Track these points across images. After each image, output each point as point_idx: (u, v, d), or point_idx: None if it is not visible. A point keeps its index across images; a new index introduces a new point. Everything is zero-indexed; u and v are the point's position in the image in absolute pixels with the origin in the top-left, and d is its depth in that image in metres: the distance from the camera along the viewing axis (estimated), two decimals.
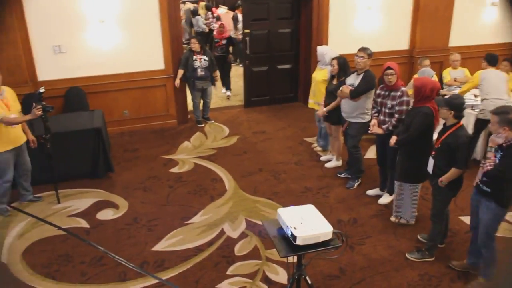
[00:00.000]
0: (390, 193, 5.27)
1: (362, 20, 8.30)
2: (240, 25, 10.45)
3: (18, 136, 4.94)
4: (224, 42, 9.21)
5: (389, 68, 4.77)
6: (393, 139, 4.56)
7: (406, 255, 4.33)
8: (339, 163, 6.19)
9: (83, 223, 4.90)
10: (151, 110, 7.50)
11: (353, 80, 5.39)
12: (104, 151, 5.77)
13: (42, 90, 4.96)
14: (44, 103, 4.83)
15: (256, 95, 8.60)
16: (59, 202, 5.27)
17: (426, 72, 6.92)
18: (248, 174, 5.97)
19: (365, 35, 8.39)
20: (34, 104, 4.80)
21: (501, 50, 9.77)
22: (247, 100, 8.63)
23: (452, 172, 3.91)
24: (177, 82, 7.33)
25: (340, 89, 5.42)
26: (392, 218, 4.89)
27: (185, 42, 10.53)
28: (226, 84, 9.51)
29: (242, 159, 6.43)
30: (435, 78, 7.12)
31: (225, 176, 5.90)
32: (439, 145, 4.02)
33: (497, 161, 3.52)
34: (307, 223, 3.24)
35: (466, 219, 4.84)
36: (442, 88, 7.62)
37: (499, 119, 3.46)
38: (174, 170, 6.09)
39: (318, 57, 6.23)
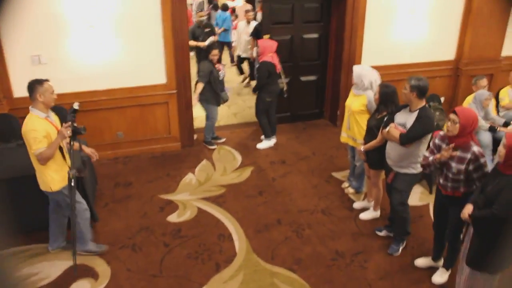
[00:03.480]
0: (447, 268, 4.07)
1: (402, 25, 7.00)
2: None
3: None
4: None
5: (454, 112, 3.53)
6: (467, 209, 3.34)
7: None
8: (377, 214, 4.96)
9: None
10: (150, 131, 6.29)
11: (403, 118, 4.14)
12: (86, 198, 4.61)
13: (76, 106, 3.89)
14: (75, 124, 3.79)
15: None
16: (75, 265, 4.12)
17: (480, 95, 5.71)
18: (263, 228, 4.77)
19: (404, 43, 7.10)
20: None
21: None
22: None
23: None
24: (196, 99, 6.27)
25: (386, 129, 4.18)
26: None
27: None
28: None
29: (257, 203, 5.23)
30: (491, 101, 5.89)
31: (235, 230, 4.71)
32: None
33: None
34: None
35: None
36: (498, 113, 6.32)
37: None
38: (173, 218, 4.92)
39: (354, 79, 4.97)
